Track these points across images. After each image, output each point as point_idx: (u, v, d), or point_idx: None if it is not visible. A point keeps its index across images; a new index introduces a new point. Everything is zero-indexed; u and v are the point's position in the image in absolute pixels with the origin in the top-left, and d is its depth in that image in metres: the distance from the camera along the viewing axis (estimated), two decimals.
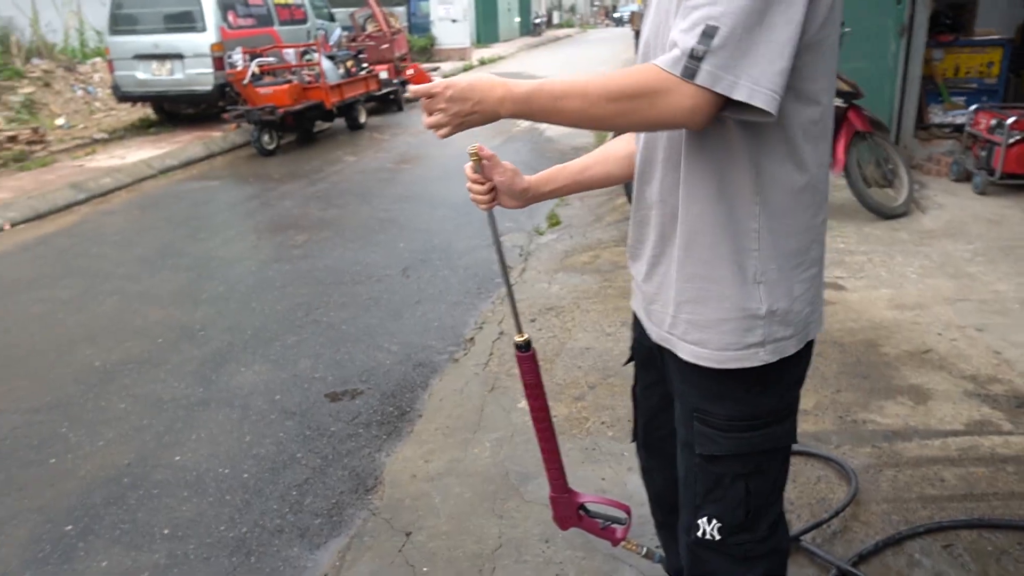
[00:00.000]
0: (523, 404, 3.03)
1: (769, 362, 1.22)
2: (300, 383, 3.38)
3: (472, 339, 3.68)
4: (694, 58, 0.99)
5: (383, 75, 11.49)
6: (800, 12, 1.01)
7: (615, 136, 1.53)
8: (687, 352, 1.26)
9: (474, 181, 1.46)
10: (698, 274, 1.21)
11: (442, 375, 3.35)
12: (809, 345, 1.29)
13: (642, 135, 1.29)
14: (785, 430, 1.30)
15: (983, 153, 5.40)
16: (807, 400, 2.86)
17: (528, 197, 1.49)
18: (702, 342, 1.23)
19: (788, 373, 1.27)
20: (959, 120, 6.34)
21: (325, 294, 4.41)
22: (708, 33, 0.98)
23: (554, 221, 5.69)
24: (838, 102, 4.91)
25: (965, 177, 5.62)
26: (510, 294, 1.58)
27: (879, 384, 3.01)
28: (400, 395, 3.23)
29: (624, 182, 1.50)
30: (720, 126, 1.12)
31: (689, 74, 0.99)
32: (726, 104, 1.02)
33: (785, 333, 1.22)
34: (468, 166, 1.45)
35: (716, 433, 1.27)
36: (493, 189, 1.47)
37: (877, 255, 4.38)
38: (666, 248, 1.26)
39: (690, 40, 0.99)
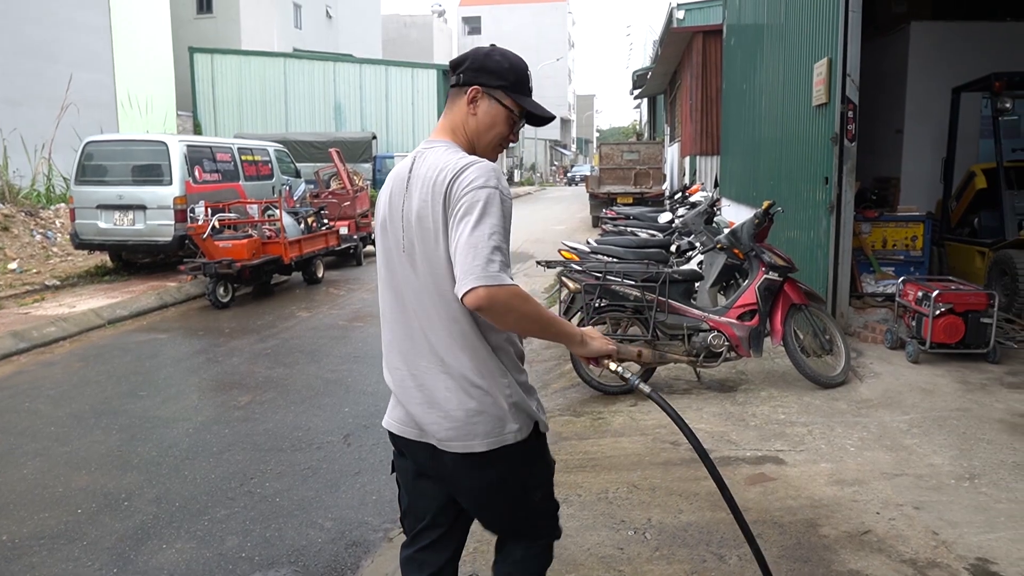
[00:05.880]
0: None
1: None
2: (225, 563, 3.20)
3: None
4: None
5: (343, 231, 11.80)
6: None
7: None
8: None
9: None
10: None
11: (375, 556, 3.21)
12: None
13: None
14: None
15: (913, 323, 5.65)
16: None
17: None
18: None
19: None
20: (890, 290, 6.68)
21: (262, 461, 4.27)
22: None
23: None
24: (774, 276, 5.13)
25: (899, 345, 5.84)
26: None
27: (819, 570, 2.96)
28: None
29: None
30: None
31: None
32: None
33: None
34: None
35: None
36: None
37: (817, 426, 4.44)
38: None
39: None
